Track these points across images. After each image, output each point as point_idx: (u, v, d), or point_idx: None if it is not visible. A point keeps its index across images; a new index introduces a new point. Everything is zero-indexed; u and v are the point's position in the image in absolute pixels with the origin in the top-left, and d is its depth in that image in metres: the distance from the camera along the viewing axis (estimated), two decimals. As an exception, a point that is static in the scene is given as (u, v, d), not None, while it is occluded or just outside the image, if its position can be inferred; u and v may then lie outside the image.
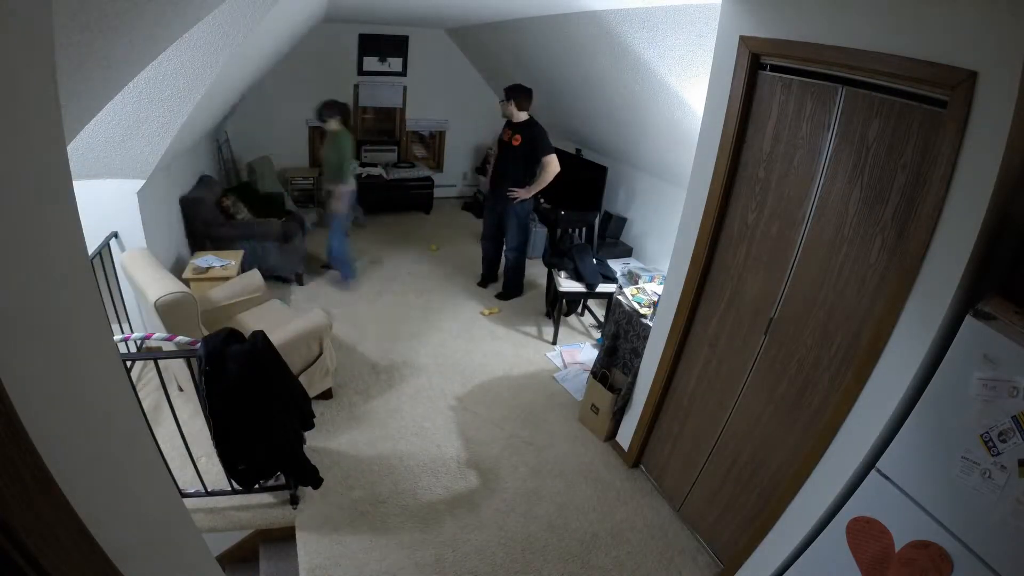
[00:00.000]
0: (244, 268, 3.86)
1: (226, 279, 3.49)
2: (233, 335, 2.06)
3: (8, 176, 0.58)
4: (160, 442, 1.90)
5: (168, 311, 2.28)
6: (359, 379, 3.37)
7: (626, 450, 2.89)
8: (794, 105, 1.86)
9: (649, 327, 2.74)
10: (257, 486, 2.33)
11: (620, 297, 3.13)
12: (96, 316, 0.84)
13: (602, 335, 3.45)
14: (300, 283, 4.54)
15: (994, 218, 1.30)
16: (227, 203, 4.39)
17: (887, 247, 1.59)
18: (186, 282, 3.11)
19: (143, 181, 3.06)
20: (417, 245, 5.61)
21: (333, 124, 4.11)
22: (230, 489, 2.37)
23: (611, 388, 2.98)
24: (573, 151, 5.68)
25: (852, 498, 1.62)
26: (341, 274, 4.56)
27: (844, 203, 1.71)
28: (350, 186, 4.27)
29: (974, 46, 1.28)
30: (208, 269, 3.56)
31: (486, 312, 4.32)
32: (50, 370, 0.67)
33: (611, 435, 3.03)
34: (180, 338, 2.17)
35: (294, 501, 2.43)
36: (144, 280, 2.41)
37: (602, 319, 4.25)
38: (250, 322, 3.08)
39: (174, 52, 2.12)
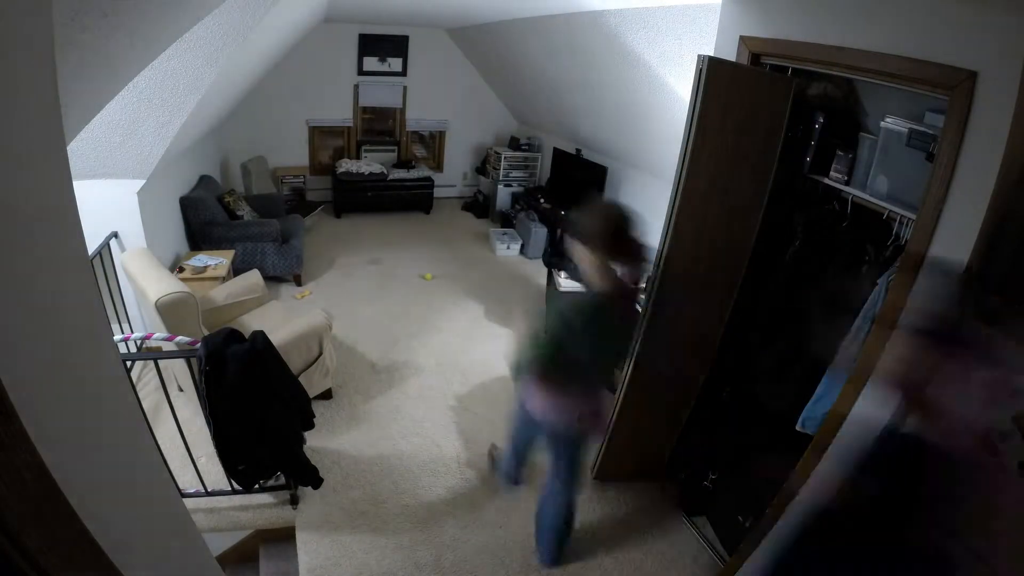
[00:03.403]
0: (236, 267, 3.89)
1: (216, 278, 3.50)
2: (233, 335, 2.06)
3: (8, 176, 0.58)
4: (160, 442, 1.90)
5: (169, 311, 2.28)
6: (359, 379, 3.37)
7: (626, 450, 2.89)
8: (794, 105, 1.87)
9: (649, 327, 2.73)
10: (257, 486, 2.33)
11: (620, 297, 3.13)
12: (96, 316, 0.84)
13: (602, 335, 3.43)
14: (298, 284, 4.54)
15: (994, 218, 1.29)
16: (229, 200, 4.41)
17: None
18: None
19: (143, 181, 3.06)
20: (417, 245, 5.61)
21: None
22: (230, 489, 2.36)
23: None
24: (573, 151, 5.68)
25: (852, 498, 1.62)
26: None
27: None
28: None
29: (974, 46, 1.28)
30: (205, 268, 3.58)
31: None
32: (50, 370, 0.67)
33: (611, 435, 3.02)
34: (180, 338, 2.17)
35: (294, 501, 2.43)
36: (145, 280, 2.41)
37: (602, 319, 4.24)
38: (250, 322, 3.08)
39: (174, 52, 2.12)
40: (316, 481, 2.39)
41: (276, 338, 2.30)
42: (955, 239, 1.36)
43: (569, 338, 1.65)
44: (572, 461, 2.06)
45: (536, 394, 1.88)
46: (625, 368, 2.37)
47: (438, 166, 7.15)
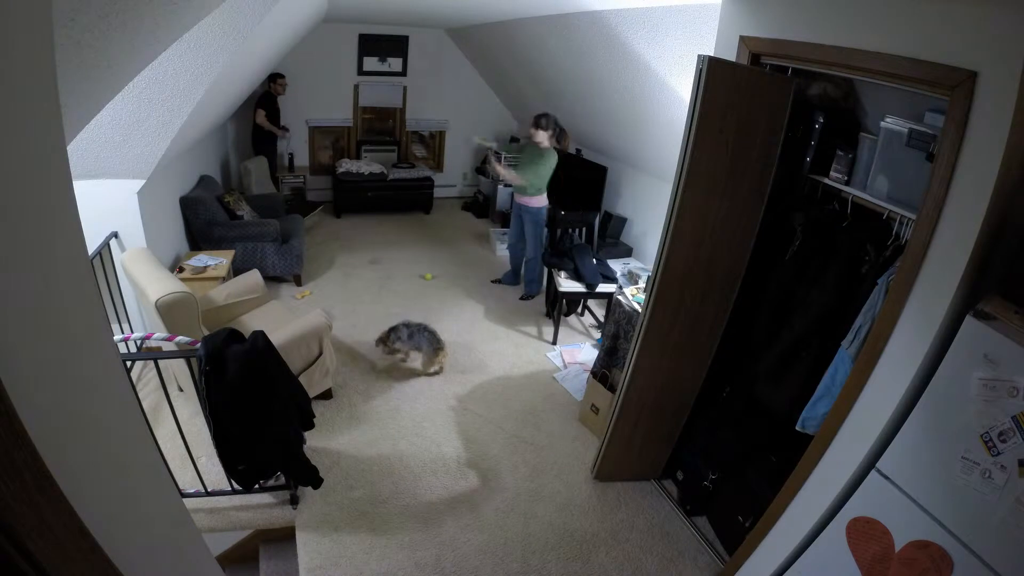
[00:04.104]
0: (236, 267, 3.89)
1: (216, 278, 3.50)
2: (233, 335, 2.06)
3: (8, 176, 0.58)
4: (160, 442, 1.90)
5: (169, 311, 2.28)
6: (359, 379, 3.37)
7: (626, 450, 2.89)
8: (794, 105, 1.87)
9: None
10: (257, 486, 2.33)
11: (620, 297, 3.13)
12: (96, 316, 0.84)
13: (602, 335, 3.45)
14: (298, 284, 4.54)
15: (994, 218, 1.29)
16: (229, 200, 4.41)
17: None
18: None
19: (143, 181, 3.06)
20: (417, 245, 5.61)
21: (542, 137, 3.99)
22: (230, 489, 2.36)
23: (611, 388, 2.98)
24: (573, 151, 5.68)
25: (852, 498, 1.62)
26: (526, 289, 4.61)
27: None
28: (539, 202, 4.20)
29: (974, 46, 1.28)
30: (205, 268, 3.58)
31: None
32: (50, 370, 0.67)
33: (611, 435, 3.02)
34: (180, 338, 2.17)
35: (294, 501, 2.43)
36: (145, 280, 2.41)
37: (602, 319, 4.25)
38: (250, 322, 3.08)
39: (174, 52, 2.12)
40: (316, 481, 2.40)
41: (276, 338, 2.30)
42: (955, 239, 1.36)
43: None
44: (542, 235, 4.32)
45: (524, 198, 4.20)
46: (625, 369, 2.37)
47: (438, 166, 7.15)
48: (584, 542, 2.42)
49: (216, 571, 1.36)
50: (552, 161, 4.04)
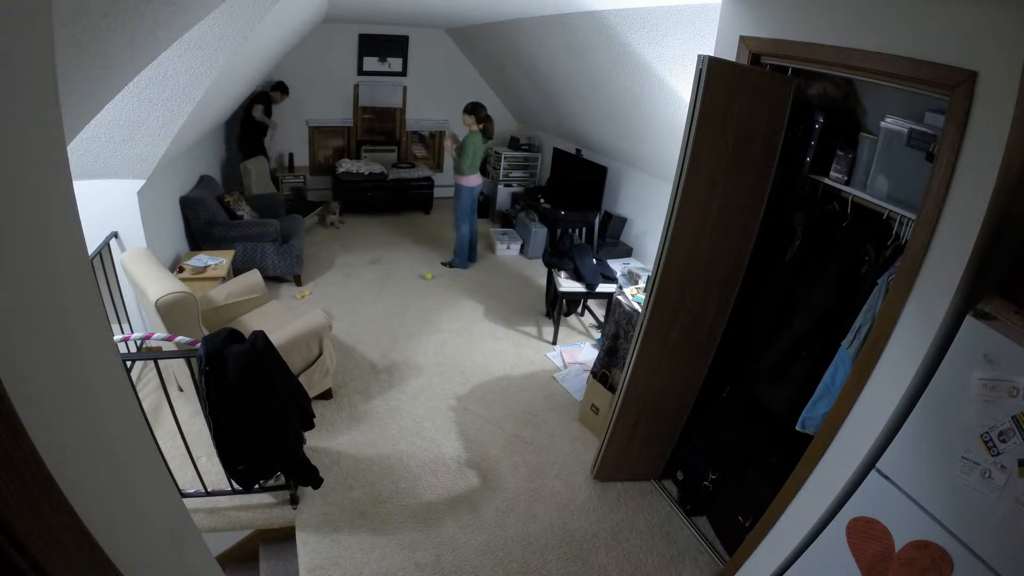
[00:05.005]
0: (236, 267, 3.89)
1: (216, 278, 3.50)
2: (233, 335, 2.06)
3: (8, 176, 0.58)
4: (160, 442, 1.90)
5: (169, 311, 2.28)
6: (359, 379, 3.37)
7: (626, 450, 2.89)
8: (794, 105, 1.86)
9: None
10: (257, 486, 2.33)
11: (620, 297, 3.13)
12: (96, 316, 0.84)
13: (602, 335, 3.45)
14: (298, 284, 4.54)
15: (994, 218, 1.29)
16: (229, 200, 4.41)
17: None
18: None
19: (143, 181, 3.06)
20: (417, 245, 5.61)
21: (467, 122, 4.63)
22: (230, 489, 2.37)
23: (611, 388, 2.98)
24: (573, 151, 5.68)
25: (852, 498, 1.62)
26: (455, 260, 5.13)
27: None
28: (469, 183, 4.74)
29: (974, 46, 1.28)
30: (205, 268, 3.58)
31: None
32: (50, 370, 0.67)
33: (611, 435, 3.02)
34: (180, 338, 2.17)
35: (294, 501, 2.43)
36: (145, 280, 2.41)
37: (602, 319, 4.25)
38: (250, 322, 3.08)
39: (174, 52, 2.12)
40: (316, 481, 2.39)
41: (276, 338, 2.30)
42: (955, 239, 1.36)
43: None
44: (467, 211, 4.87)
45: (470, 178, 4.69)
46: (625, 369, 2.37)
47: (438, 166, 7.15)
48: (584, 542, 2.42)
49: (216, 571, 1.36)
50: (472, 140, 4.57)
